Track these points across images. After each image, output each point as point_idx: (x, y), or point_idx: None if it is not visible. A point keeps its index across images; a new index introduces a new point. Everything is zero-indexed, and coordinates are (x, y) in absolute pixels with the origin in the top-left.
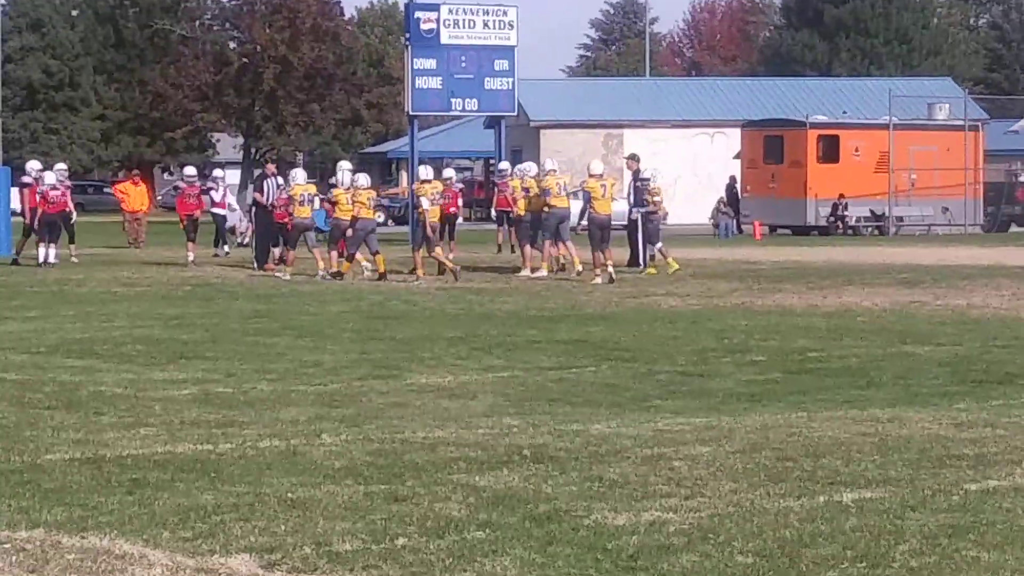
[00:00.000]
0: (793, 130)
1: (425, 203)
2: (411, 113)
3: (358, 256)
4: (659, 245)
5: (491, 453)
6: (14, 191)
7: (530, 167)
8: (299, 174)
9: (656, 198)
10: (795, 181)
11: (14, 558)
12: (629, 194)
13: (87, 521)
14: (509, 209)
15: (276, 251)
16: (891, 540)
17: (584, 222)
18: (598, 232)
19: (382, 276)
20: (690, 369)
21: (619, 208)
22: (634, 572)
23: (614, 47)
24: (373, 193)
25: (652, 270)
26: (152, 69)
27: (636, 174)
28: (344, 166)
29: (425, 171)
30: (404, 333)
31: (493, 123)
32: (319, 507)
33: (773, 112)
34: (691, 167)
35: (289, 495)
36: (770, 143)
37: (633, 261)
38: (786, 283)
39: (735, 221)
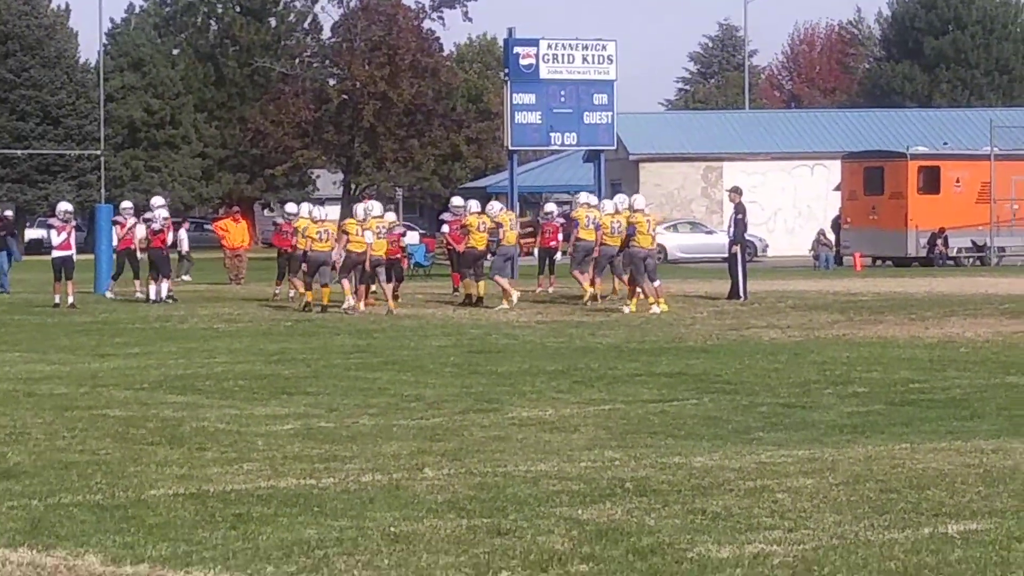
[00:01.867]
0: (893, 161)
1: (369, 236)
2: (511, 148)
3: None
4: (657, 283)
5: (593, 486)
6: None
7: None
8: (375, 206)
9: (648, 230)
10: (896, 212)
11: None
12: (730, 227)
13: (191, 556)
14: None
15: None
16: (997, 572)
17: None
18: (641, 264)
19: (307, 305)
20: (792, 401)
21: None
22: None
23: (713, 80)
24: (329, 226)
25: (633, 308)
26: (252, 106)
27: (738, 207)
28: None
29: (458, 202)
30: (505, 367)
31: (592, 157)
32: (422, 541)
33: (873, 144)
34: (791, 199)
35: (392, 529)
36: (870, 175)
37: (733, 293)
38: (887, 314)
39: (835, 252)
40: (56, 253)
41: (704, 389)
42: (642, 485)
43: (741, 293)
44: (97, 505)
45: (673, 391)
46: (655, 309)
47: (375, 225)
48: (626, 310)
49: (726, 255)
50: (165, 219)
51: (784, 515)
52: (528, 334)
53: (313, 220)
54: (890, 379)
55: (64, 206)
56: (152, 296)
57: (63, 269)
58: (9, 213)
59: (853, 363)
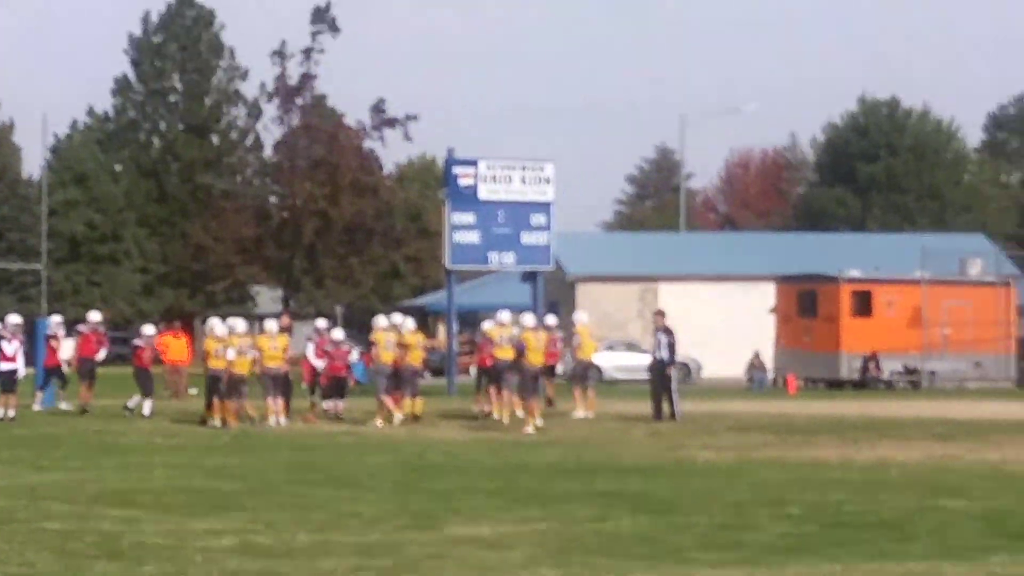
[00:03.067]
0: (826, 284)
1: (231, 353)
2: (449, 267)
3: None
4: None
5: None
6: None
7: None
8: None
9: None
10: (829, 335)
11: None
12: (656, 348)
13: None
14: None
15: (329, 403)
16: None
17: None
18: (530, 382)
19: (223, 423)
20: (726, 521)
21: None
22: None
23: (649, 201)
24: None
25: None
26: (194, 222)
27: (666, 330)
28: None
29: (383, 321)
30: (442, 484)
31: (530, 277)
32: None
33: (807, 267)
34: (726, 320)
35: None
36: (804, 297)
37: (670, 414)
38: (821, 436)
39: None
40: (3, 365)
41: (639, 508)
42: None
43: (676, 413)
44: None
45: (609, 510)
46: (529, 429)
47: (239, 343)
48: (528, 429)
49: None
50: (150, 336)
51: None
52: (465, 451)
53: (216, 338)
54: (823, 501)
55: (13, 318)
56: (145, 412)
57: (7, 382)
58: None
59: (787, 485)
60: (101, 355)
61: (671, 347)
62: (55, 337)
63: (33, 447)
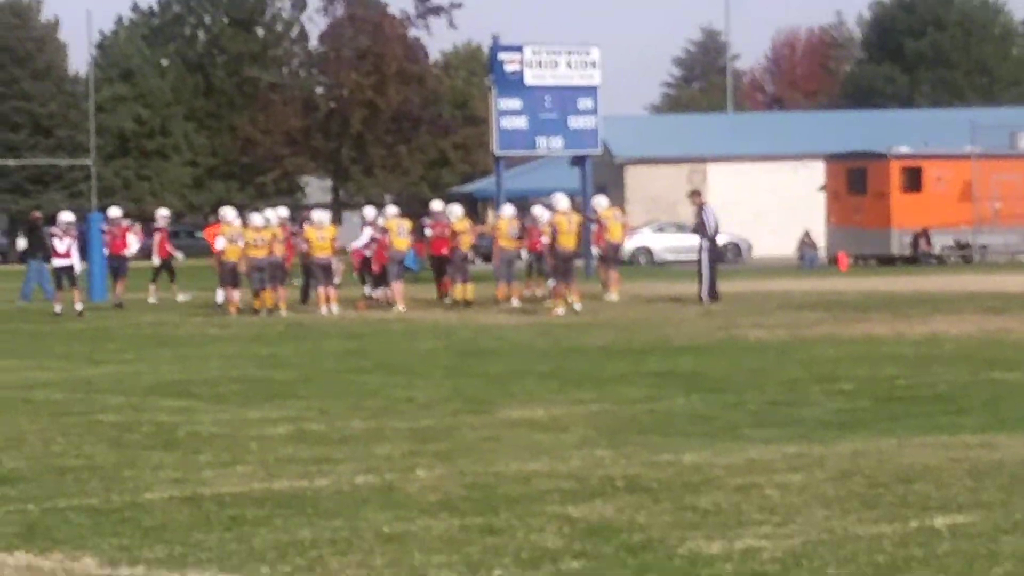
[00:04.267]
0: (876, 161)
1: (220, 243)
2: (497, 153)
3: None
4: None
5: (584, 484)
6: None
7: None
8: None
9: (543, 238)
10: (879, 211)
11: None
12: (703, 226)
13: (187, 558)
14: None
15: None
16: (985, 564)
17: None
18: (562, 265)
19: (270, 311)
20: (779, 399)
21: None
22: None
23: (696, 84)
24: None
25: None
26: (241, 115)
27: (700, 208)
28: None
29: (438, 206)
30: (495, 368)
31: (578, 161)
32: (415, 540)
33: (856, 144)
34: (776, 200)
35: (385, 529)
36: (853, 175)
37: (712, 293)
38: (872, 312)
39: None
40: (57, 262)
41: (692, 388)
42: (632, 483)
43: (707, 293)
44: (93, 509)
45: (661, 390)
46: (560, 311)
47: (229, 232)
48: (559, 311)
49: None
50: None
51: (773, 510)
52: (517, 336)
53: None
54: (876, 376)
55: (66, 216)
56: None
57: (65, 278)
58: (38, 214)
59: (839, 360)
60: (133, 249)
61: (700, 225)
62: (116, 229)
63: (87, 341)
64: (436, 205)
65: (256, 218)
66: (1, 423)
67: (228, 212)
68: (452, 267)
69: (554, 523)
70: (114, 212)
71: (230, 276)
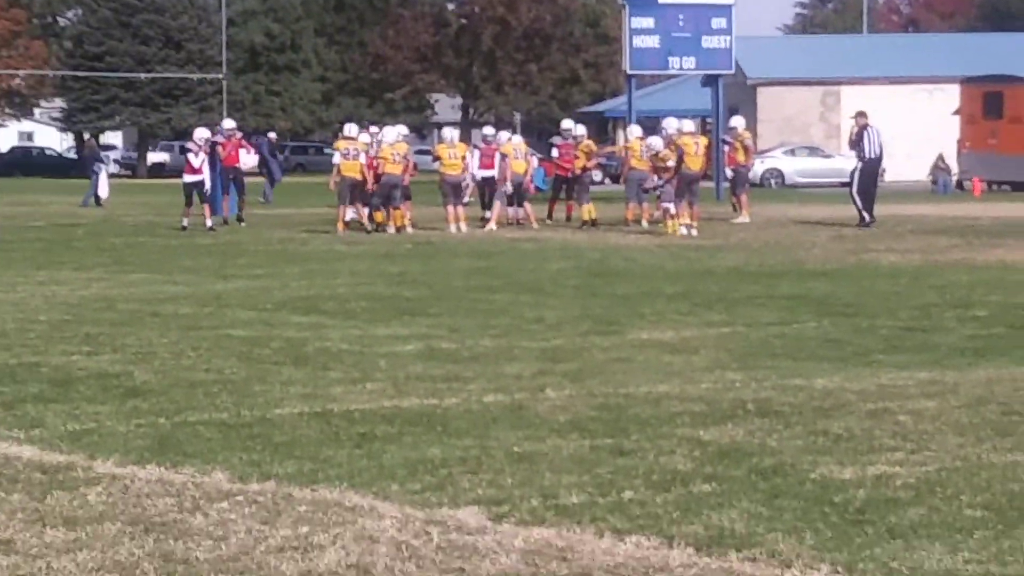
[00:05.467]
0: (1013, 86)
1: (337, 157)
2: (629, 72)
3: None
4: (667, 205)
5: (715, 407)
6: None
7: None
8: (389, 133)
9: (669, 162)
10: (1015, 137)
11: (247, 510)
12: (866, 147)
13: (317, 474)
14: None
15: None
16: None
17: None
18: (686, 188)
19: (398, 229)
20: (912, 324)
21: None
22: (861, 526)
23: (831, 4)
24: (404, 147)
25: (671, 228)
26: (372, 31)
27: (863, 129)
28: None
29: (567, 125)
30: (624, 289)
31: (710, 81)
32: (545, 460)
33: (992, 68)
34: (909, 123)
35: (515, 449)
36: (989, 99)
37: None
38: (1007, 238)
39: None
40: (188, 177)
41: (824, 312)
42: (764, 406)
43: (864, 216)
44: (223, 423)
45: (793, 314)
46: (682, 231)
47: (343, 147)
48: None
49: (847, 180)
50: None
51: (906, 437)
52: (646, 257)
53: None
54: (1011, 302)
55: (202, 132)
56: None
57: (195, 193)
58: (272, 135)
59: (973, 286)
60: (246, 161)
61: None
62: (229, 143)
63: (217, 255)
64: (566, 123)
65: (389, 133)
66: (131, 337)
67: (349, 127)
68: (579, 187)
69: (684, 446)
70: (228, 124)
71: (347, 191)
